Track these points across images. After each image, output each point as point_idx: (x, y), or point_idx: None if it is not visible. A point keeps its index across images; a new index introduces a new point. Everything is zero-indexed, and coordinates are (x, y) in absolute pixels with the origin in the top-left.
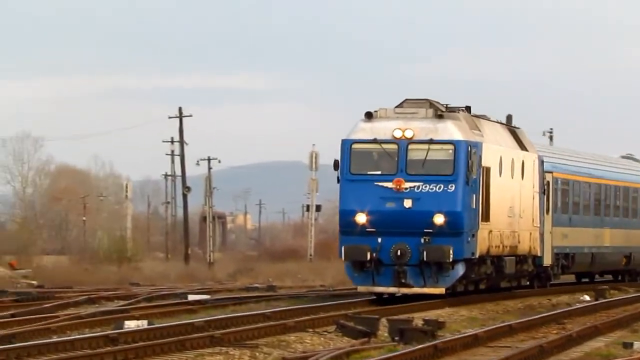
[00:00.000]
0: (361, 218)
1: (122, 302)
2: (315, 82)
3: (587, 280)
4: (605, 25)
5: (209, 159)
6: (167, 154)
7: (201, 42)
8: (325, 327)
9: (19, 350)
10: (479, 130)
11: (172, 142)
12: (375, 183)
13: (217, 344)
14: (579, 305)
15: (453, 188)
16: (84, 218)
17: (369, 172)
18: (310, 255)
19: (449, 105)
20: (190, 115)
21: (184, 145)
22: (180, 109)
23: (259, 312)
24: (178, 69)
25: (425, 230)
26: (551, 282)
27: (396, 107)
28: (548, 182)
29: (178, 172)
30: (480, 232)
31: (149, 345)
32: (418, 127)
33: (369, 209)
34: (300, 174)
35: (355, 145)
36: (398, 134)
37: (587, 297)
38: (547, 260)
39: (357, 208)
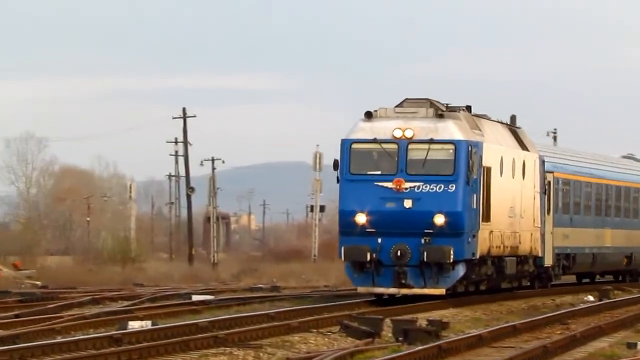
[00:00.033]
0: (361, 218)
1: (126, 303)
2: (318, 83)
3: (587, 280)
4: (605, 25)
5: (212, 160)
6: (171, 155)
7: (201, 42)
8: (329, 327)
9: (23, 350)
10: (480, 130)
11: (176, 142)
12: (375, 183)
13: (221, 345)
14: (582, 306)
15: (453, 188)
16: (88, 218)
17: (368, 172)
18: (314, 255)
19: (449, 105)
20: (194, 116)
21: (188, 145)
22: (184, 109)
23: (263, 312)
24: (179, 69)
25: (425, 231)
26: (552, 283)
27: (396, 106)
28: (549, 182)
29: (182, 172)
30: (480, 233)
31: (153, 346)
32: (418, 127)
33: (369, 209)
34: (304, 174)
35: (355, 145)
36: (398, 134)
37: (591, 298)
38: (548, 261)
39: (357, 208)
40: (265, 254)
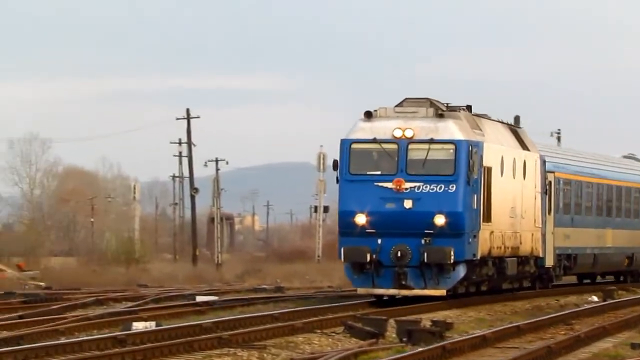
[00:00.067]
0: (361, 219)
1: (130, 304)
2: (319, 83)
3: (588, 281)
4: (605, 25)
5: (216, 160)
6: (174, 156)
7: (201, 42)
8: (333, 328)
9: (27, 351)
10: (480, 130)
11: (180, 143)
12: (375, 183)
13: (225, 345)
14: (587, 306)
15: (454, 188)
16: (92, 219)
17: (368, 172)
18: (318, 256)
19: (449, 105)
20: (198, 117)
21: (192, 146)
22: (187, 110)
23: (267, 313)
24: (180, 69)
25: (425, 231)
26: (553, 284)
27: (396, 106)
28: (550, 182)
29: (186, 173)
30: (481, 233)
31: (157, 347)
32: (418, 127)
33: (369, 210)
34: (308, 175)
35: (354, 145)
36: (398, 134)
37: (595, 298)
38: (549, 262)
39: (357, 209)
40: (269, 254)
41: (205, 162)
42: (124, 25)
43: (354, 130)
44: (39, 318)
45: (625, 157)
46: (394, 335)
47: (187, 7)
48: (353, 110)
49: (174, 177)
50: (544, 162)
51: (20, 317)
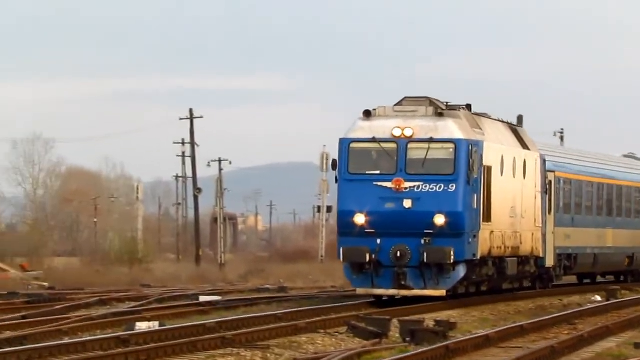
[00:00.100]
0: (360, 219)
1: (133, 304)
2: (320, 83)
3: (588, 281)
4: (605, 25)
5: (219, 161)
6: (178, 156)
7: (201, 42)
8: (336, 328)
9: (31, 352)
10: (480, 129)
11: (183, 143)
12: (374, 183)
13: (229, 345)
14: (590, 306)
15: (454, 188)
16: (95, 220)
17: (367, 172)
18: (322, 256)
19: (449, 104)
20: (201, 117)
21: (195, 146)
22: (191, 110)
23: (271, 313)
24: (180, 69)
25: (425, 231)
26: (553, 284)
27: (395, 105)
28: (550, 181)
29: (189, 173)
30: (481, 233)
31: (160, 347)
32: (418, 126)
33: (368, 210)
34: (311, 175)
35: (353, 145)
36: (397, 133)
37: (598, 298)
38: (550, 261)
39: (356, 208)
40: (273, 254)
41: (209, 162)
42: (124, 25)
43: (352, 130)
44: (43, 318)
45: (625, 156)
46: (397, 335)
47: (187, 7)
48: (356, 109)
49: (177, 177)
50: (544, 162)
51: (24, 317)
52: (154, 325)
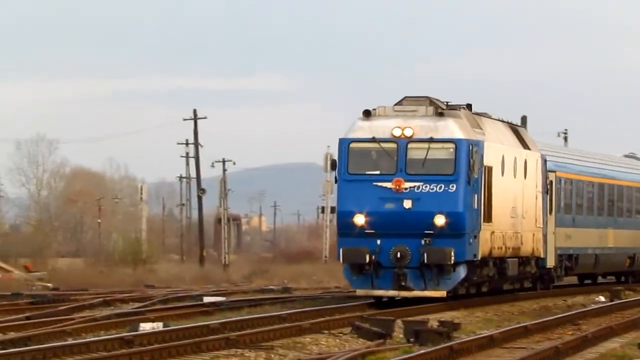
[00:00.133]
0: (359, 219)
1: (137, 305)
2: (321, 83)
3: (589, 282)
4: (605, 25)
5: (223, 161)
6: (181, 156)
7: (201, 42)
8: (340, 328)
9: (34, 352)
10: (481, 129)
11: (187, 144)
12: (374, 183)
13: (233, 346)
14: (594, 306)
15: (454, 188)
16: (99, 220)
17: (367, 172)
18: (325, 256)
19: (449, 103)
20: (205, 117)
21: (199, 147)
22: (194, 111)
23: (274, 313)
24: (181, 69)
25: (425, 232)
26: (554, 284)
27: (395, 104)
28: (551, 181)
29: (193, 174)
30: (482, 234)
31: (164, 348)
32: (418, 126)
33: (368, 210)
34: (315, 175)
35: (353, 145)
36: (397, 133)
37: (602, 298)
38: (551, 262)
39: (356, 209)
40: (276, 255)
41: (213, 163)
42: (124, 25)
43: (352, 130)
44: (46, 319)
45: (626, 156)
46: (401, 336)
47: (187, 7)
48: (356, 109)
49: (181, 177)
50: (545, 162)
51: (28, 318)
52: (158, 326)
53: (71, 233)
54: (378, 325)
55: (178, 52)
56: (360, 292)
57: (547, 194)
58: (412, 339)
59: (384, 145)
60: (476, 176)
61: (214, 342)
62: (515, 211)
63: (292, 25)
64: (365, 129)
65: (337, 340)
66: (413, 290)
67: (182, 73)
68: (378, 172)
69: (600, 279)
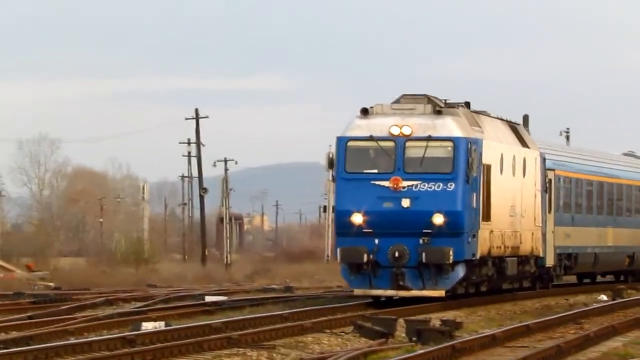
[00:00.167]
0: (357, 218)
1: (139, 304)
2: (324, 83)
3: (588, 281)
4: (605, 25)
5: (225, 161)
6: (183, 156)
7: (201, 42)
8: (342, 328)
9: (37, 352)
10: (479, 127)
11: (189, 143)
12: (372, 182)
13: (235, 345)
14: (596, 305)
15: (453, 187)
16: (101, 220)
17: (365, 171)
18: (327, 256)
19: (447, 101)
20: (207, 117)
21: (201, 146)
22: (196, 110)
23: (276, 313)
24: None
25: (424, 231)
26: (553, 284)
27: (393, 102)
28: (550, 180)
29: (195, 173)
30: (481, 233)
31: (166, 347)
32: (416, 124)
33: (366, 209)
34: (317, 175)
35: (350, 143)
36: (395, 131)
37: (604, 297)
38: (550, 261)
39: (353, 208)
40: (278, 254)
41: (214, 162)
42: (124, 25)
43: (350, 128)
44: (49, 318)
45: (625, 154)
46: (403, 335)
47: (187, 7)
48: (356, 109)
49: (183, 177)
50: (543, 160)
51: (30, 317)
52: (160, 325)
53: (73, 233)
54: (380, 324)
55: (178, 52)
56: (358, 291)
57: (546, 192)
58: (414, 338)
59: (381, 143)
60: (475, 175)
61: (216, 341)
62: (514, 210)
63: (292, 25)
64: (363, 127)
65: (339, 340)
66: (411, 289)
67: (182, 73)
68: (376, 171)
69: (599, 278)
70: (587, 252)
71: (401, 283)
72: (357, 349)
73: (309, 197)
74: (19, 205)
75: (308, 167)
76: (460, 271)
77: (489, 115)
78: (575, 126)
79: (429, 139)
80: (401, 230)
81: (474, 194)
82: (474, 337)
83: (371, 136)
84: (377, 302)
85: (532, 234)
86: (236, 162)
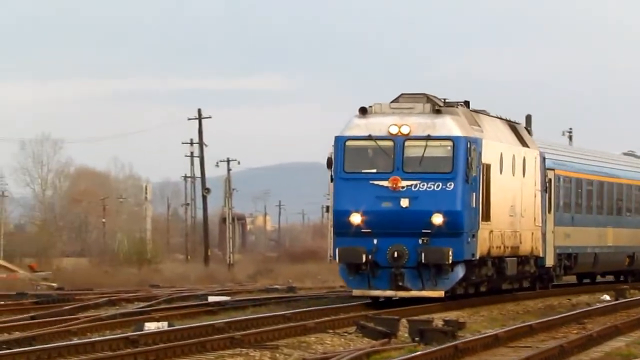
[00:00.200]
0: (356, 218)
1: (142, 304)
2: (324, 83)
3: (588, 281)
4: (605, 25)
5: (228, 161)
6: (186, 156)
7: (201, 42)
8: (345, 328)
9: (39, 352)
10: (479, 126)
11: (192, 143)
12: (371, 182)
13: (238, 346)
14: (599, 305)
15: (452, 186)
16: (104, 220)
17: (363, 170)
18: (330, 256)
19: (447, 100)
20: (210, 117)
21: (204, 146)
22: (199, 110)
23: (279, 313)
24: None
25: (423, 231)
26: (553, 284)
27: (392, 102)
28: (550, 179)
29: (197, 173)
30: (480, 233)
31: (169, 347)
32: (415, 123)
33: (364, 209)
34: (320, 175)
35: (349, 142)
36: (394, 130)
37: (607, 297)
38: (550, 261)
39: (352, 208)
40: (281, 254)
41: (217, 162)
42: (124, 25)
43: (348, 127)
44: (52, 319)
45: (625, 154)
46: (406, 335)
47: (187, 7)
48: (356, 109)
49: (185, 177)
50: (543, 159)
51: (33, 317)
52: (163, 325)
53: (76, 233)
54: (383, 324)
55: (178, 52)
56: (356, 292)
57: (546, 192)
58: (417, 338)
59: (380, 143)
60: (474, 174)
61: (219, 341)
62: (513, 210)
63: (292, 25)
64: (362, 127)
65: (342, 340)
66: (410, 290)
67: (182, 73)
68: (375, 171)
69: (599, 278)
70: (587, 252)
71: (400, 283)
72: (360, 349)
73: (312, 197)
74: (22, 205)
75: (309, 167)
76: (460, 271)
77: (488, 115)
78: (576, 126)
79: (428, 138)
80: (400, 230)
81: (474, 194)
82: (476, 337)
83: (370, 136)
84: (376, 303)
85: (532, 234)
86: (239, 163)
